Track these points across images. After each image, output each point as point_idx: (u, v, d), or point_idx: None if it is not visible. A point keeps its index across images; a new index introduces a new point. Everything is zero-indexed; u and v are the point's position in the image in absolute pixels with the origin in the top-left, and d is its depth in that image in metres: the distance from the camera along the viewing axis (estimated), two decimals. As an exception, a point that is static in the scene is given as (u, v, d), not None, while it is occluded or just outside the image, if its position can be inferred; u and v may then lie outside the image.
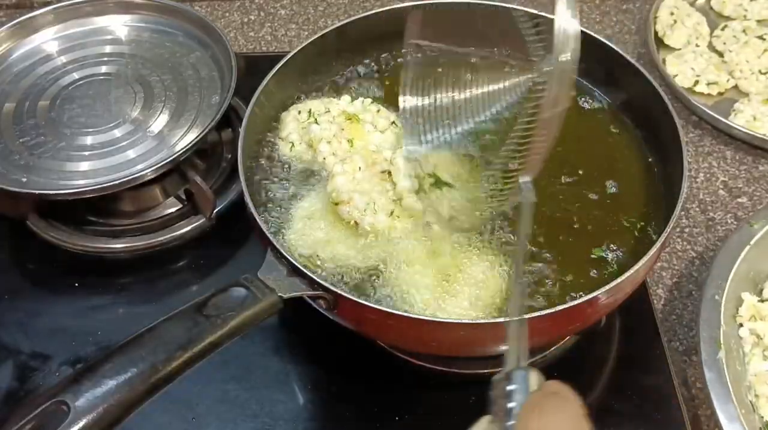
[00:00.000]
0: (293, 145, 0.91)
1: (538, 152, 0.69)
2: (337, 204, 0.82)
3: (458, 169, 0.86)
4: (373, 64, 1.03)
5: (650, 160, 0.91)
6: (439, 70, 0.83)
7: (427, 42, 0.84)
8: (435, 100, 0.83)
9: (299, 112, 0.93)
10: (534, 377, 0.57)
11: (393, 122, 0.92)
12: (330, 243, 0.82)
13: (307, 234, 0.83)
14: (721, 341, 0.85)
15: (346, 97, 0.95)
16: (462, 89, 0.82)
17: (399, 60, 1.02)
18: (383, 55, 1.03)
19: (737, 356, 0.87)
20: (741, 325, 0.89)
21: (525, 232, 0.69)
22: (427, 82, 0.84)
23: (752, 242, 0.93)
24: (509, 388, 0.56)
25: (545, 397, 0.55)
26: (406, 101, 0.84)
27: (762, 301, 0.91)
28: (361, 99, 0.95)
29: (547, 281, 0.79)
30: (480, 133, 0.87)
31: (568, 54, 0.65)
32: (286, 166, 0.91)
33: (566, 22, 0.65)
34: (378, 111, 0.94)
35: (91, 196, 0.95)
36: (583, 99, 0.98)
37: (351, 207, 0.81)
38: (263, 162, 0.91)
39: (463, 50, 0.83)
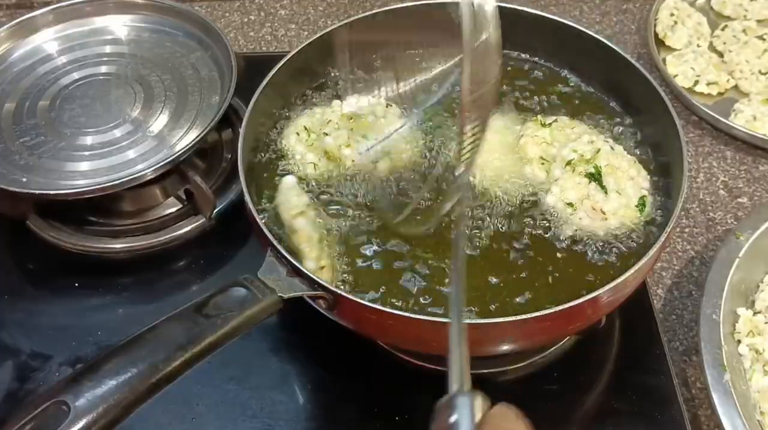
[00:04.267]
0: (315, 165, 0.89)
1: (473, 142, 0.68)
2: None
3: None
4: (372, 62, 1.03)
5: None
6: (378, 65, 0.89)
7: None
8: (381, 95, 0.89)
9: (298, 134, 0.91)
10: (479, 404, 0.50)
11: (388, 105, 0.94)
12: None
13: None
14: (725, 362, 0.83)
15: (336, 102, 0.94)
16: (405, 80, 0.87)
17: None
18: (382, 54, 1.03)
19: (740, 375, 0.85)
20: (739, 341, 0.88)
21: (462, 237, 0.66)
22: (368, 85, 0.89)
23: (741, 255, 0.92)
24: (451, 420, 0.49)
25: None
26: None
27: (756, 313, 0.90)
28: (343, 98, 0.94)
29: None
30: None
31: (488, 32, 0.65)
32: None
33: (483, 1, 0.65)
34: (386, 106, 0.94)
35: (91, 196, 0.95)
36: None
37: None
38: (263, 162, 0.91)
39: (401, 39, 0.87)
